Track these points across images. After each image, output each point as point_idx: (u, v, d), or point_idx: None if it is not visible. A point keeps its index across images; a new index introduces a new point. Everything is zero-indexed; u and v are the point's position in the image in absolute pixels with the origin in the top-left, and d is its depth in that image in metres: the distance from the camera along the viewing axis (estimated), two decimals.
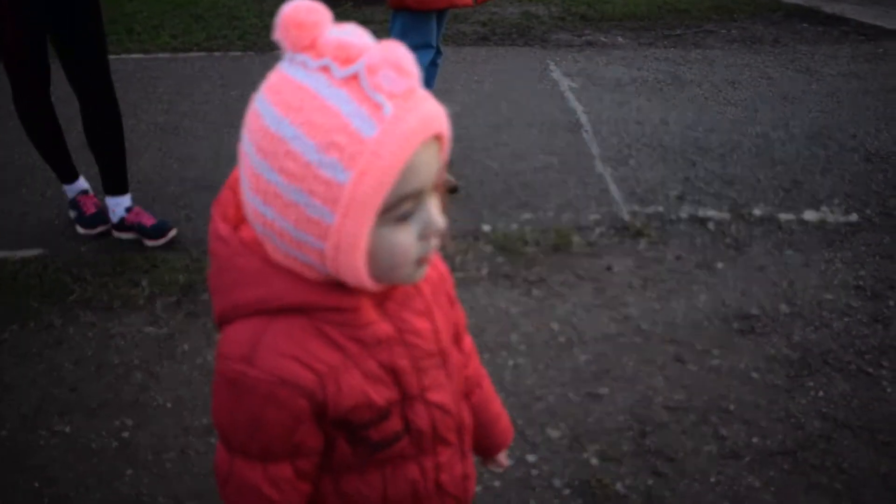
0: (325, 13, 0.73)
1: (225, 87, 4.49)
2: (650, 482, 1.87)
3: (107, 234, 2.89)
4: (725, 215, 3.17)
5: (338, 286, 0.79)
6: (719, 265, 2.82)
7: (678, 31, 6.10)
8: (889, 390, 2.19)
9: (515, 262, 2.80)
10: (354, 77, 0.70)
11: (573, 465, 1.91)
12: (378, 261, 0.76)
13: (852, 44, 5.81)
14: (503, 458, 1.19)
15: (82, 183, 2.97)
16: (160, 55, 5.16)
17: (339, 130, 0.69)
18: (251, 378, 0.78)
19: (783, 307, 2.57)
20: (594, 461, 1.93)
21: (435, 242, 0.80)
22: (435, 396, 0.90)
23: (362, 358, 0.82)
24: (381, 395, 0.84)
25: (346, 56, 0.70)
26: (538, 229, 3.02)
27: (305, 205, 0.72)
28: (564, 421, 2.05)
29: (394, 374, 0.85)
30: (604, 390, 2.17)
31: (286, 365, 0.78)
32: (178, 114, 4.12)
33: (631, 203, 3.26)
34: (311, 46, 0.72)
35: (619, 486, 1.85)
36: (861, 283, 2.72)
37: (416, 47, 3.03)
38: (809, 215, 3.19)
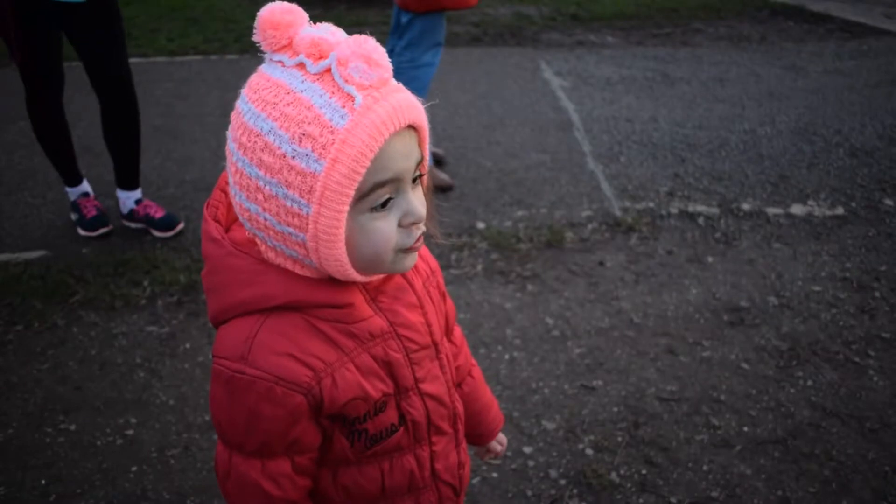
0: (299, 14, 0.75)
1: (222, 89, 4.52)
2: (644, 471, 1.91)
3: (108, 235, 2.93)
4: (715, 210, 3.22)
5: (330, 282, 0.81)
6: (709, 259, 2.87)
7: (667, 30, 6.16)
8: (876, 379, 2.24)
9: (509, 258, 2.84)
10: (328, 71, 0.73)
11: (568, 456, 1.95)
12: (359, 249, 0.78)
13: (837, 41, 5.88)
14: (496, 445, 1.21)
15: (85, 186, 3.02)
16: (157, 59, 5.18)
17: (312, 122, 0.72)
18: (247, 376, 0.79)
19: (772, 299, 2.62)
20: (589, 452, 1.97)
21: (417, 233, 0.81)
22: (429, 388, 0.92)
23: (356, 352, 0.84)
24: (376, 388, 0.85)
25: (320, 52, 0.73)
26: (532, 226, 3.06)
27: (284, 196, 0.74)
28: (559, 413, 2.09)
29: (388, 367, 0.86)
30: (598, 382, 2.21)
31: (281, 363, 0.79)
32: (176, 116, 4.15)
33: (622, 199, 3.30)
34: (288, 46, 0.75)
35: (613, 475, 1.89)
36: (847, 274, 2.78)
37: (431, 46, 3.10)
38: (797, 209, 3.25)
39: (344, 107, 0.72)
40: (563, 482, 1.87)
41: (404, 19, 3.08)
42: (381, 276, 0.86)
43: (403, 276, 0.90)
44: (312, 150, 0.72)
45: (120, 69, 2.72)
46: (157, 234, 2.90)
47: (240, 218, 0.81)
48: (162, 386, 2.18)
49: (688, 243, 2.98)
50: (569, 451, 1.97)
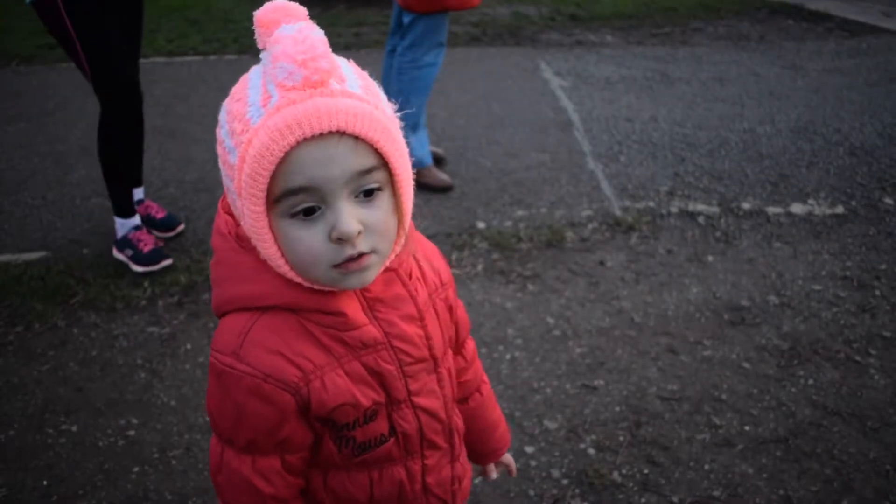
0: (288, 12, 0.75)
1: (221, 89, 4.41)
2: (646, 471, 1.91)
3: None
4: (715, 209, 3.22)
5: (320, 289, 0.80)
6: (710, 258, 2.87)
7: (666, 30, 6.16)
8: (877, 378, 2.25)
9: (510, 258, 2.84)
10: None
11: (570, 456, 1.95)
12: (289, 256, 0.76)
13: (836, 40, 5.88)
14: (493, 471, 1.18)
15: (137, 219, 2.77)
16: (156, 59, 5.18)
17: (240, 118, 0.73)
18: (237, 371, 0.80)
19: (772, 298, 2.62)
20: (591, 451, 1.97)
21: (350, 251, 0.74)
22: (423, 401, 0.90)
23: (347, 359, 0.83)
24: (366, 396, 0.84)
25: None
26: (532, 226, 3.06)
27: (229, 190, 0.77)
28: (561, 412, 2.09)
29: (379, 378, 0.85)
30: (599, 382, 2.22)
31: (271, 360, 0.79)
32: (176, 117, 4.15)
33: (622, 199, 3.30)
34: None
35: (615, 475, 1.90)
36: (848, 273, 2.78)
37: (434, 47, 3.11)
38: (797, 208, 3.25)
39: (263, 105, 0.71)
40: (565, 482, 1.87)
41: (406, 20, 3.08)
42: (380, 284, 0.84)
43: (405, 286, 0.87)
44: (235, 146, 0.73)
45: (135, 71, 2.69)
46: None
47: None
48: (163, 387, 2.18)
49: (688, 242, 2.98)
50: (570, 451, 1.97)
